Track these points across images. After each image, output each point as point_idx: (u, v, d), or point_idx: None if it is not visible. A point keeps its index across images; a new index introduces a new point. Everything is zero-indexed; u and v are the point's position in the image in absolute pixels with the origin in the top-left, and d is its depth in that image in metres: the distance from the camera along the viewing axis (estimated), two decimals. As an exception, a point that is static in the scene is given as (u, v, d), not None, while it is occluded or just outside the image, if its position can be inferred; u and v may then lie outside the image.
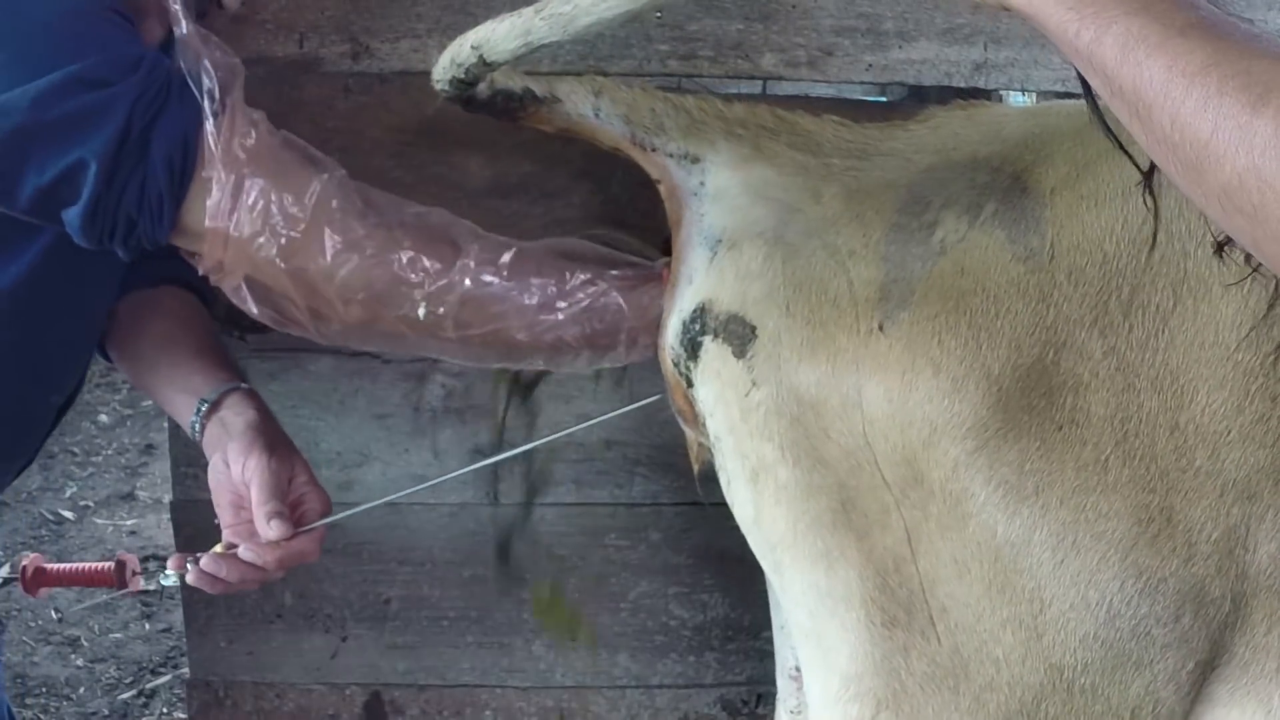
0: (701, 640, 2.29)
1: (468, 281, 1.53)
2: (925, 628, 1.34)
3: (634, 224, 2.03)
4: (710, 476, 1.62)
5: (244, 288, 1.56)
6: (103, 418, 4.74)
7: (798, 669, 1.63)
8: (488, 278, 1.54)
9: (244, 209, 1.50)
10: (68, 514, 4.30)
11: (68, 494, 4.41)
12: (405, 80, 1.98)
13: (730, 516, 2.21)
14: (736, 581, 2.25)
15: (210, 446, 1.75)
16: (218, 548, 1.72)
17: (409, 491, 2.00)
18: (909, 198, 1.40)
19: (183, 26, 1.54)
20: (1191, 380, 1.29)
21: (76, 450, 4.55)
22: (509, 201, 2.04)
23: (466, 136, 2.00)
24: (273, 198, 1.50)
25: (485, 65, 1.42)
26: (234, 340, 2.05)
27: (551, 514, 2.23)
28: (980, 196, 1.37)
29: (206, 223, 1.51)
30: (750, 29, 2.01)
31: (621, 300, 1.56)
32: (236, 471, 1.70)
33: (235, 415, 1.75)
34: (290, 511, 1.69)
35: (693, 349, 1.45)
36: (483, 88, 1.50)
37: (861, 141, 1.50)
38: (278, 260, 1.52)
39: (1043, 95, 2.13)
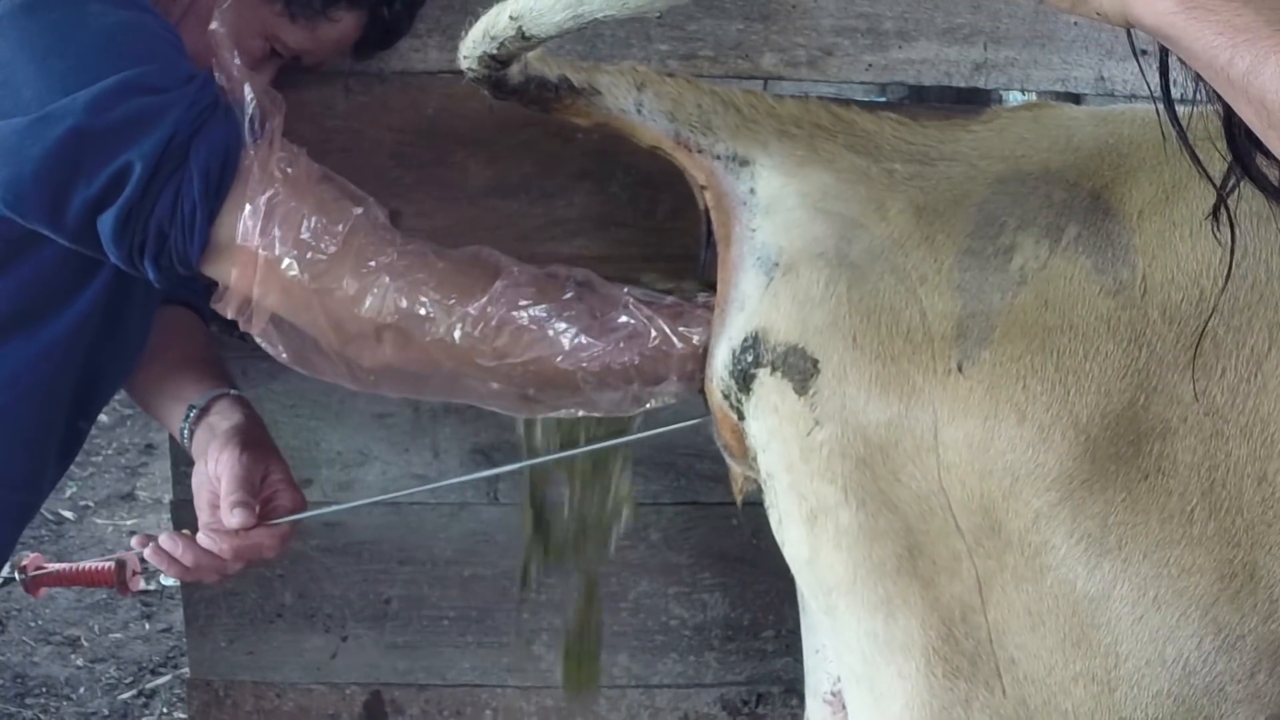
0: (701, 640, 2.19)
1: (504, 307, 1.40)
2: (990, 679, 1.19)
3: (634, 224, 1.93)
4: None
5: (271, 328, 1.45)
6: (103, 418, 4.53)
7: (833, 693, 1.48)
8: (524, 302, 1.40)
9: (276, 230, 1.39)
10: (68, 514, 4.12)
11: (68, 494, 4.22)
12: (405, 80, 1.85)
13: (730, 516, 2.14)
14: (736, 581, 2.17)
15: (198, 452, 1.68)
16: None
17: (410, 491, 1.91)
18: (981, 218, 1.22)
19: (227, 58, 1.47)
20: (1282, 429, 1.14)
21: (77, 450, 4.39)
22: (509, 201, 1.90)
23: (466, 136, 1.87)
24: (305, 221, 1.40)
25: (524, 40, 1.19)
26: (234, 340, 1.92)
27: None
28: (1059, 217, 1.20)
29: (238, 240, 1.40)
30: (750, 29, 1.88)
31: (666, 327, 1.39)
32: (211, 467, 1.63)
33: (222, 419, 1.69)
34: (260, 506, 1.62)
35: (745, 381, 1.27)
36: (515, 70, 1.29)
37: (923, 144, 1.31)
38: (306, 280, 1.40)
39: (1042, 95, 2.03)
